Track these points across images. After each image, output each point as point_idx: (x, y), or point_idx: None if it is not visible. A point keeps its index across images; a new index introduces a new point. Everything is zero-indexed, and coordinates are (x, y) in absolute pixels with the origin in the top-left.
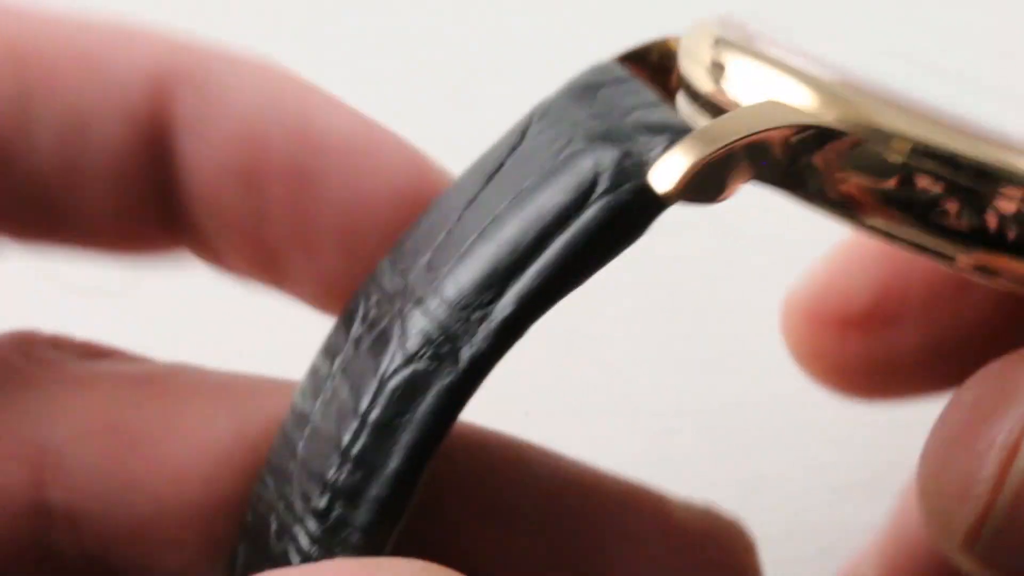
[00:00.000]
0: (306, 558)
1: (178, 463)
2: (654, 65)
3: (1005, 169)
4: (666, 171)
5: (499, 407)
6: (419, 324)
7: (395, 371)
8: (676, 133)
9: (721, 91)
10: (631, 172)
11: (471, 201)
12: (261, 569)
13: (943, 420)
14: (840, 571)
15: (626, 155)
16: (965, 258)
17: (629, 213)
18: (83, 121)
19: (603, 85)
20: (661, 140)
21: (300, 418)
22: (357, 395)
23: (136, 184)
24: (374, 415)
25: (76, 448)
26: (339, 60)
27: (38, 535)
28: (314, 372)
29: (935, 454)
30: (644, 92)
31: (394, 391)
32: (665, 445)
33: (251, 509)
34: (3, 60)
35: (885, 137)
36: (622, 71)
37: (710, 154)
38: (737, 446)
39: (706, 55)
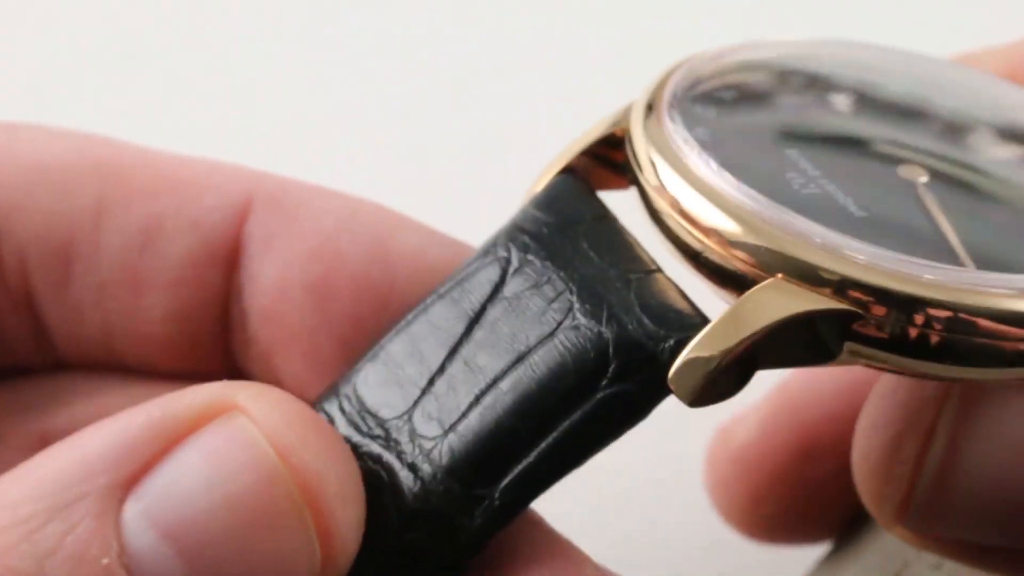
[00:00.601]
0: None
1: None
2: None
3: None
4: (685, 378)
5: None
6: (411, 489)
7: (394, 534)
8: (683, 328)
9: (663, 188)
10: (640, 362)
11: (454, 349)
12: None
13: (868, 413)
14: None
15: (635, 344)
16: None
17: (637, 402)
18: (155, 233)
19: (581, 221)
20: (671, 334)
21: None
22: None
23: (200, 295)
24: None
25: None
26: (339, 60)
27: None
28: None
29: (863, 443)
30: (629, 248)
31: (391, 556)
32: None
33: None
34: (85, 173)
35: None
36: (599, 205)
37: (721, 359)
38: None
39: (643, 154)
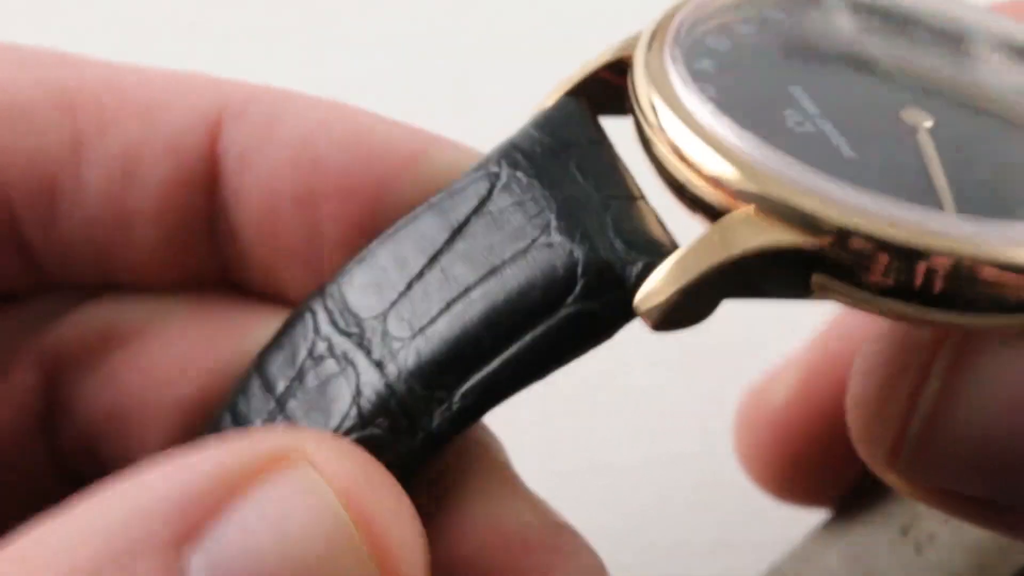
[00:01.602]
0: None
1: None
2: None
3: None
4: (650, 302)
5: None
6: (375, 386)
7: (350, 429)
8: (652, 253)
9: (662, 130)
10: (607, 283)
11: (434, 257)
12: None
13: (862, 356)
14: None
15: (604, 264)
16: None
17: (600, 322)
18: (136, 163)
19: (575, 144)
20: (640, 257)
21: (240, 418)
22: None
23: (185, 219)
24: None
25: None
26: (339, 61)
27: (44, 426)
28: (261, 385)
29: (857, 388)
30: (617, 174)
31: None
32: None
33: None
34: (56, 107)
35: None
36: (596, 130)
37: (687, 284)
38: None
39: (644, 94)
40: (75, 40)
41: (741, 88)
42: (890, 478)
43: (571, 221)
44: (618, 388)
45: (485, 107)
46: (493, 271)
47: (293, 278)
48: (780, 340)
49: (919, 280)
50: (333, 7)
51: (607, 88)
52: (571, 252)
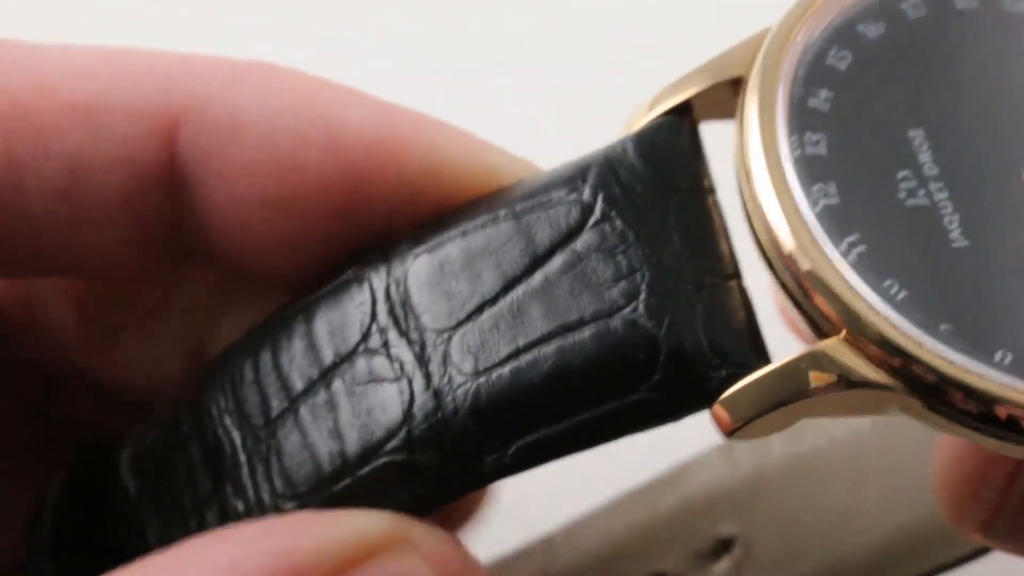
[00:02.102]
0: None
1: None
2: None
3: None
4: (728, 416)
5: None
6: (429, 416)
7: (395, 449)
8: (738, 364)
9: (758, 204)
10: (687, 382)
11: (511, 284)
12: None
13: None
14: None
15: (688, 363)
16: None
17: (670, 414)
18: (81, 173)
19: (678, 188)
20: (725, 366)
21: (280, 387)
22: (348, 433)
23: (147, 227)
24: (364, 471)
25: None
26: (341, 61)
27: None
28: (308, 345)
29: (948, 459)
30: (715, 239)
31: (391, 465)
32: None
33: (201, 405)
34: None
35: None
36: (700, 170)
37: (768, 409)
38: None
39: (747, 143)
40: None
41: (856, 135)
42: (975, 538)
43: (661, 301)
44: None
45: (485, 107)
46: (570, 328)
47: (272, 270)
48: (781, 341)
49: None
50: (333, 6)
51: (719, 96)
52: (655, 339)
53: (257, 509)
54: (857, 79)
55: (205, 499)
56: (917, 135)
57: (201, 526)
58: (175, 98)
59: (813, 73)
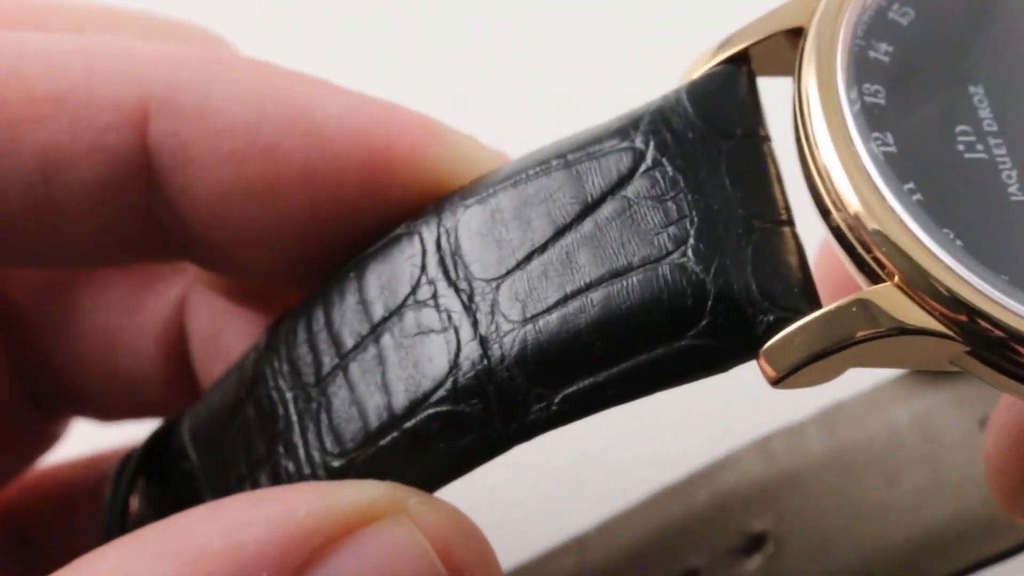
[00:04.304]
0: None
1: None
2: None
3: None
4: (775, 360)
5: None
6: (475, 364)
7: (441, 400)
8: (787, 308)
9: (816, 149)
10: (734, 326)
11: (561, 231)
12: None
13: (1006, 411)
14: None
15: (736, 307)
16: None
17: (717, 360)
18: (57, 165)
19: (731, 135)
20: (774, 310)
21: (332, 345)
22: (395, 386)
23: (124, 216)
24: (410, 424)
25: None
26: (341, 61)
27: None
28: (359, 300)
29: (999, 441)
30: (768, 185)
31: (437, 416)
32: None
33: (256, 370)
34: None
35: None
36: (755, 116)
37: (816, 354)
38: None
39: (805, 98)
40: None
41: (915, 87)
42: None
43: (710, 245)
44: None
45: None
46: (618, 274)
47: (255, 259)
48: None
49: None
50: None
51: (776, 49)
52: (704, 283)
53: (307, 468)
54: (918, 35)
55: (258, 462)
56: (977, 91)
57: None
58: (150, 88)
59: (874, 26)
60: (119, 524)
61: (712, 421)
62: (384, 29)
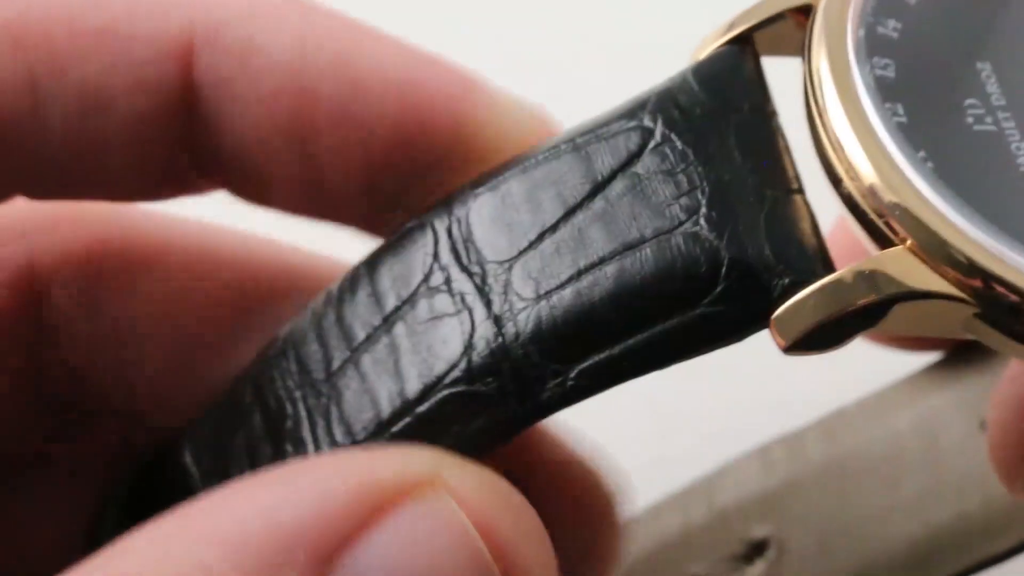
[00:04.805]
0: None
1: None
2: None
3: None
4: (789, 323)
5: None
6: (490, 343)
7: (455, 381)
8: (802, 271)
9: (828, 119)
10: (749, 291)
11: (571, 211)
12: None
13: (1011, 385)
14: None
15: (750, 272)
16: None
17: (733, 328)
18: (99, 98)
19: (738, 110)
20: (788, 273)
21: (342, 339)
22: (407, 372)
23: (165, 149)
24: (423, 408)
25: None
26: None
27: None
28: (371, 294)
29: (1002, 416)
30: (777, 156)
31: (450, 398)
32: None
33: (263, 375)
34: (4, 46)
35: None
36: (761, 93)
37: (830, 317)
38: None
39: (816, 69)
40: None
41: (923, 63)
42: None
43: (722, 213)
44: (616, 389)
45: None
46: (631, 247)
47: (290, 200)
48: None
49: None
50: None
51: (782, 30)
52: (718, 250)
53: None
54: (926, 12)
55: (265, 464)
56: (985, 67)
57: None
58: (192, 24)
59: (883, 3)
60: None
61: (711, 420)
62: (384, 29)
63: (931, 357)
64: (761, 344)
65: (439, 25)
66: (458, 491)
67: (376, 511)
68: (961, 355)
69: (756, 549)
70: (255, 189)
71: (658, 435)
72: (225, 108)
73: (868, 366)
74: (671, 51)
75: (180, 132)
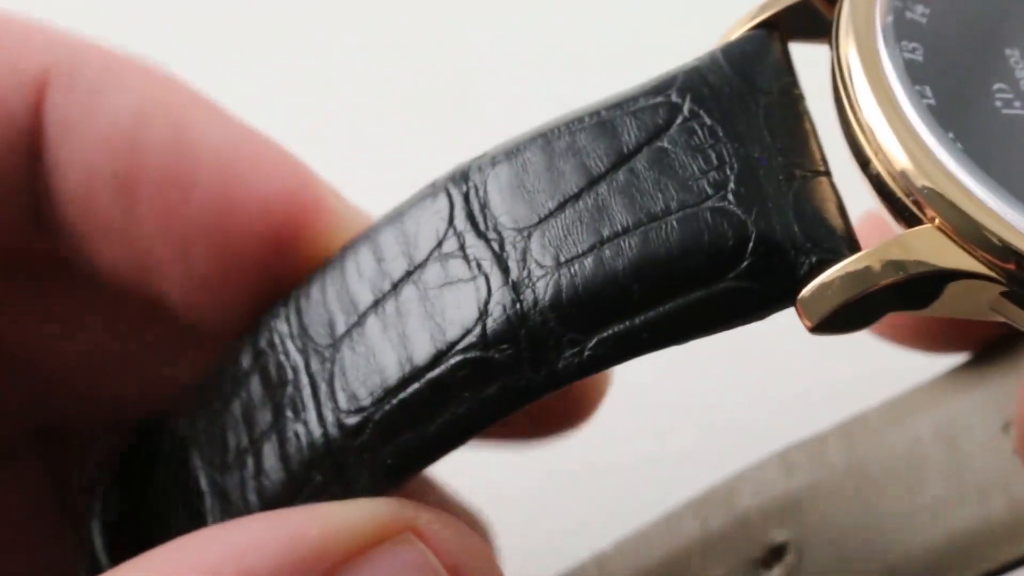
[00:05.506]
0: (310, 443)
1: None
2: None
3: None
4: (815, 302)
5: None
6: (506, 310)
7: (470, 346)
8: (829, 250)
9: (856, 101)
10: (776, 268)
11: (594, 181)
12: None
13: None
14: None
15: (777, 249)
16: None
17: (757, 304)
18: None
19: (767, 92)
20: (815, 251)
21: (348, 304)
22: (418, 337)
23: (6, 184)
24: (434, 373)
25: None
26: (342, 61)
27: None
28: (378, 259)
29: None
30: (805, 139)
31: (463, 364)
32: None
33: (263, 339)
34: None
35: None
36: (790, 78)
37: (857, 296)
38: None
39: (843, 49)
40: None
41: (951, 48)
42: None
43: (751, 190)
44: (617, 386)
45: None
46: (656, 218)
47: (110, 255)
48: (781, 338)
49: None
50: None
51: (809, 14)
52: (745, 225)
53: (319, 428)
54: (943, 14)
55: (264, 432)
56: (1013, 53)
57: (257, 462)
58: (49, 57)
59: (901, 17)
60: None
61: (711, 421)
62: (384, 29)
63: (952, 360)
64: (767, 339)
65: (439, 25)
66: (429, 536)
67: (346, 555)
68: (983, 358)
69: (775, 554)
70: (82, 244)
71: (666, 430)
72: (65, 150)
73: (881, 363)
74: (671, 51)
75: (26, 171)
